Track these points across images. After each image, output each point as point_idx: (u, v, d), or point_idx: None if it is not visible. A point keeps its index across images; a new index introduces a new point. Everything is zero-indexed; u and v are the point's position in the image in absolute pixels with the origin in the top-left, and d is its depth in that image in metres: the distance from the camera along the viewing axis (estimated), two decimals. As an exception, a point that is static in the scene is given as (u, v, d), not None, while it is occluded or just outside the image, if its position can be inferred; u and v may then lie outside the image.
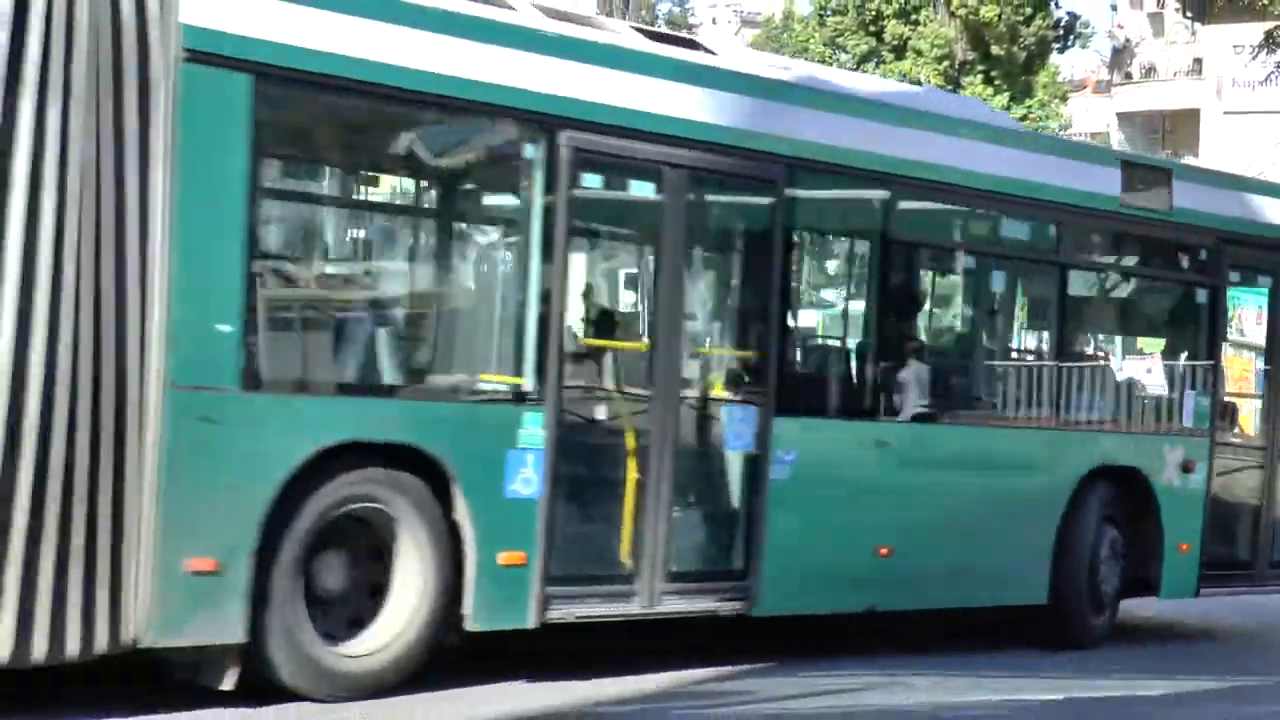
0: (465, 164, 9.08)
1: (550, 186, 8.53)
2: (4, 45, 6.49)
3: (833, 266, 10.81)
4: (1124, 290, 12.73)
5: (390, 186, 9.70)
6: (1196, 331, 12.39)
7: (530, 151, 8.57)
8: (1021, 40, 45.55)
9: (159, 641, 7.10)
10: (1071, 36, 48.79)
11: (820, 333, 10.45)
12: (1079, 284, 11.88)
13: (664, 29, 78.00)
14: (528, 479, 8.28)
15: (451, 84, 8.06)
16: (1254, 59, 23.70)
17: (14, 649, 6.55)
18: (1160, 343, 12.78)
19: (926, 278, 11.33)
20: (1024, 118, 46.34)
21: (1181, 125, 35.54)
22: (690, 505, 9.28)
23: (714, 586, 9.28)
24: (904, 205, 10.36)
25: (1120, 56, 43.57)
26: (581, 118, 8.56)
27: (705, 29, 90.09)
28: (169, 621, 7.08)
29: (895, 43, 46.35)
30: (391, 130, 8.53)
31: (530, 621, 8.33)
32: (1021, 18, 45.34)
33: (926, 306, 11.31)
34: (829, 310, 10.58)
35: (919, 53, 45.72)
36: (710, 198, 9.67)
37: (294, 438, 7.51)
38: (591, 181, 9.26)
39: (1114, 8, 52.31)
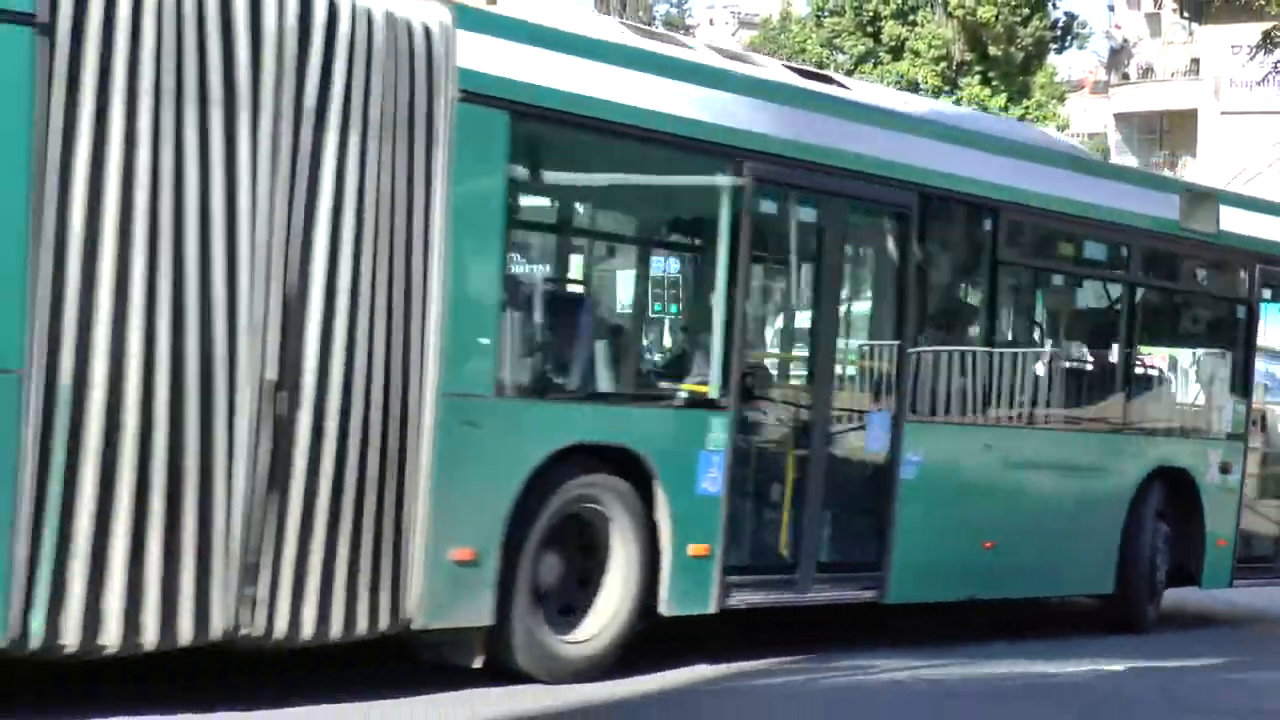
0: (668, 192, 10.05)
1: (735, 212, 9.41)
2: (315, 86, 7.38)
3: (950, 286, 11.67)
4: (1176, 306, 13.79)
5: (611, 213, 10.68)
6: (1234, 343, 13.49)
7: (720, 180, 9.43)
8: (1019, 41, 45.58)
9: (429, 624, 7.89)
10: (1069, 37, 48.84)
11: (938, 345, 11.12)
12: (1144, 301, 12.97)
13: (661, 30, 77.88)
14: (714, 478, 9.16)
15: (662, 120, 8.97)
16: (1251, 59, 23.71)
17: (315, 629, 7.38)
18: (1204, 353, 13.74)
19: (1025, 297, 12.30)
20: (1021, 118, 46.38)
21: (1179, 125, 35.53)
22: (836, 502, 10.11)
23: (854, 577, 10.17)
24: (1010, 230, 11.34)
25: (1118, 57, 43.59)
26: (761, 150, 9.43)
27: (702, 29, 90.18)
28: (437, 605, 7.87)
29: (893, 43, 46.39)
30: (614, 161, 9.40)
31: (711, 607, 9.15)
32: (1019, 18, 45.37)
33: (1025, 322, 12.36)
34: (946, 325, 11.43)
35: (916, 53, 45.76)
36: (856, 223, 10.66)
37: (534, 440, 8.35)
38: (767, 208, 9.97)
39: (1111, 8, 52.36)
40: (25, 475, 6.67)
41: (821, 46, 49.72)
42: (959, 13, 44.58)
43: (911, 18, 46.37)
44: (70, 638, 6.78)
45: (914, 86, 45.80)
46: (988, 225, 11.23)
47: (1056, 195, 11.57)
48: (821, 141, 9.87)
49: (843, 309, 10.61)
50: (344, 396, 7.46)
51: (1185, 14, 33.51)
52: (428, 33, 7.84)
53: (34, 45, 6.60)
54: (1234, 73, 29.03)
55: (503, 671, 8.24)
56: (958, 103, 45.42)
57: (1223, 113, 30.24)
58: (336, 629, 7.48)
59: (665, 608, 8.93)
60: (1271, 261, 13.36)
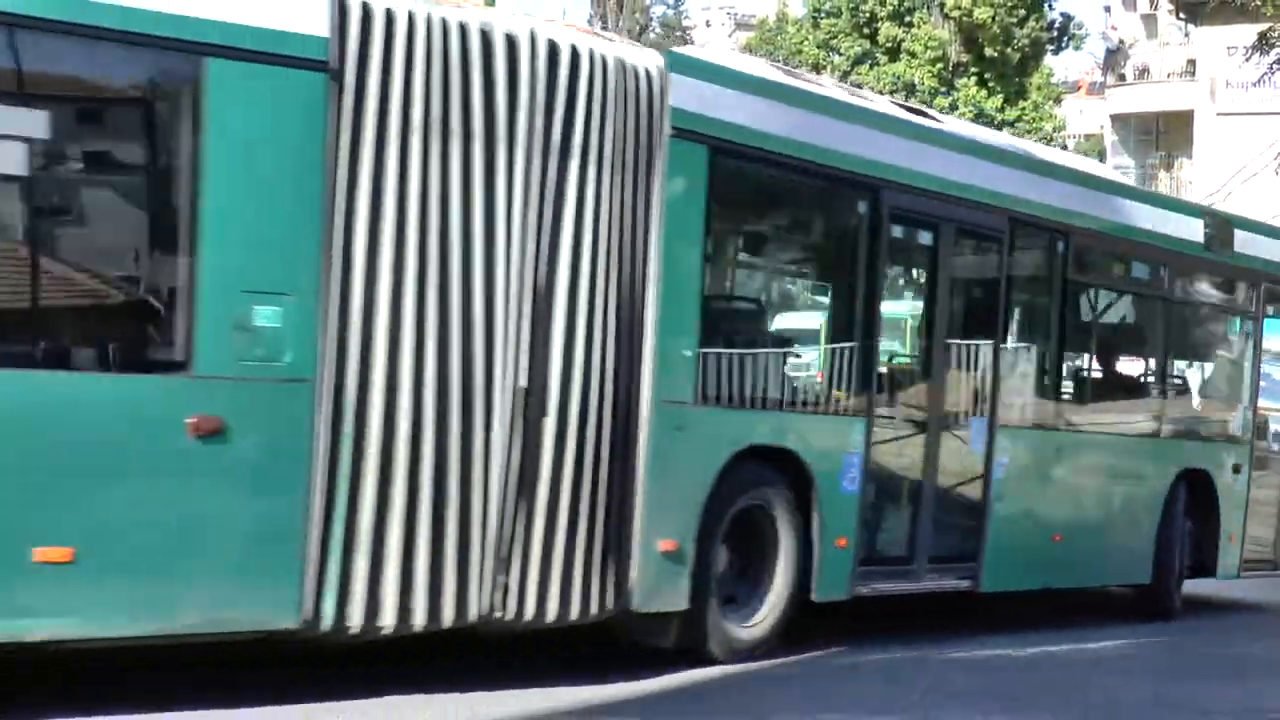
0: (823, 218, 11.21)
1: (873, 236, 10.60)
2: (560, 123, 8.29)
3: (1030, 304, 12.80)
4: (1199, 320, 15.08)
5: (778, 237, 11.64)
6: (1243, 354, 14.97)
7: (861, 208, 10.57)
8: (1015, 42, 45.59)
9: (642, 608, 8.83)
10: (1065, 38, 48.88)
11: (1021, 356, 12.51)
12: (1176, 316, 14.22)
13: (658, 31, 77.57)
14: (852, 477, 10.28)
15: (819, 152, 10.06)
16: (1247, 60, 23.72)
17: (556, 613, 8.32)
18: (1219, 363, 15.26)
19: (1087, 313, 13.37)
20: (1018, 119, 46.40)
21: (1175, 127, 35.55)
22: (943, 499, 11.25)
23: (955, 568, 11.33)
24: (1078, 252, 12.51)
25: (1114, 58, 43.66)
26: (895, 180, 10.59)
27: (699, 31, 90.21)
28: (648, 591, 8.83)
29: (889, 45, 46.41)
30: (780, 189, 10.48)
31: (845, 594, 10.31)
32: (1015, 19, 45.37)
33: (1086, 337, 13.46)
34: (1027, 339, 12.70)
35: (913, 54, 45.78)
36: (961, 246, 11.68)
37: (723, 443, 9.39)
38: (896, 232, 11.04)
39: (1107, 9, 52.43)
40: (317, 475, 7.49)
41: (818, 48, 49.75)
42: (955, 14, 44.60)
43: (908, 19, 46.40)
44: (355, 620, 7.62)
45: (910, 88, 45.85)
46: (1060, 248, 12.36)
47: (1114, 220, 12.87)
48: (940, 173, 11.02)
49: (951, 323, 11.50)
50: (581, 403, 8.37)
51: (1181, 15, 33.52)
52: (647, 76, 8.81)
53: (326, 88, 7.55)
54: (1230, 74, 29.03)
55: (690, 653, 9.30)
56: (953, 105, 45.44)
57: (1219, 114, 30.26)
58: (574, 613, 8.40)
59: (815, 595, 10.05)
60: (1274, 280, 14.69)
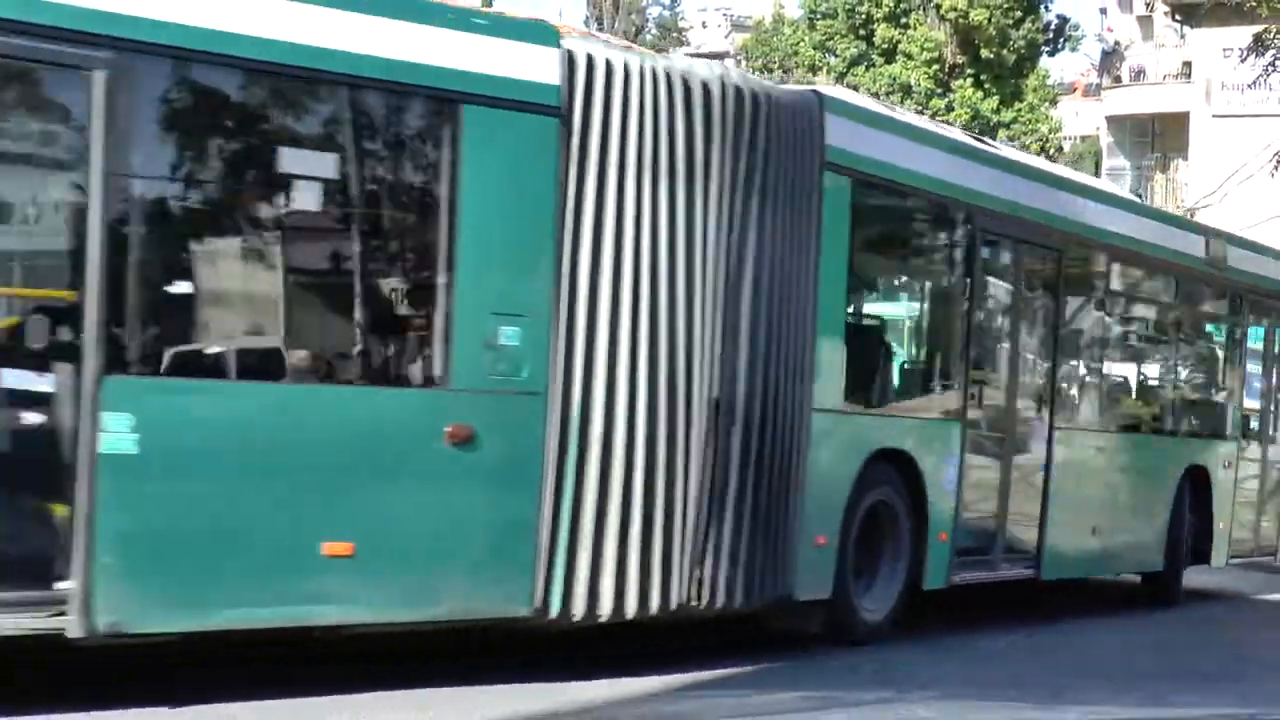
0: (929, 242, 12.43)
1: (968, 257, 11.97)
2: (745, 159, 9.32)
3: (1079, 316, 13.98)
4: (1200, 328, 16.57)
5: (896, 259, 12.64)
6: (1230, 360, 16.44)
7: (959, 232, 11.95)
8: (1011, 43, 45.59)
9: (800, 596, 10.02)
10: (1061, 40, 48.89)
11: (1071, 364, 13.94)
12: (1185, 324, 15.88)
13: (654, 32, 77.59)
14: (950, 477, 11.51)
15: (934, 183, 11.47)
16: (1243, 61, 23.75)
17: (741, 601, 9.35)
18: (1213, 366, 16.60)
19: (1121, 324, 14.81)
20: (1013, 121, 46.41)
21: (1171, 128, 35.57)
22: (1012, 496, 12.38)
23: (1022, 558, 12.62)
24: (1118, 268, 14.15)
25: (1110, 60, 43.68)
26: (984, 206, 11.90)
27: (694, 32, 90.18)
28: (804, 581, 9.99)
29: (885, 46, 46.40)
30: (899, 216, 11.84)
31: (945, 584, 11.51)
32: (1011, 21, 45.38)
33: (1122, 345, 14.96)
34: (1076, 348, 14.02)
35: (909, 56, 45.78)
36: (1029, 265, 12.91)
37: (861, 446, 10.67)
38: (985, 254, 12.28)
39: (1103, 11, 52.46)
40: (548, 479, 8.46)
41: (814, 49, 49.76)
42: (951, 15, 44.61)
43: (904, 20, 46.39)
44: (577, 610, 8.58)
45: (906, 89, 45.87)
46: (1102, 265, 13.80)
47: (1146, 240, 14.25)
48: (1015, 198, 12.33)
49: (1022, 335, 12.89)
50: (760, 413, 9.42)
51: (1177, 17, 33.54)
52: (807, 115, 9.95)
53: (557, 131, 8.55)
54: (1225, 76, 29.03)
55: (828, 636, 10.57)
56: (949, 106, 45.45)
57: (1214, 116, 30.26)
58: (753, 601, 9.51)
59: (925, 585, 11.33)
60: (1255, 292, 16.26)
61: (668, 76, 9.00)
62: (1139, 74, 39.93)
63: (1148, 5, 41.52)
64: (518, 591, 8.48)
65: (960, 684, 9.93)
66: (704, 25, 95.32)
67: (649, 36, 74.68)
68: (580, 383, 8.57)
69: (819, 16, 48.75)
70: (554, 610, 8.53)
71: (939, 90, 46.09)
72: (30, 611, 7.14)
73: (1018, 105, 46.57)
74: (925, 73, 45.79)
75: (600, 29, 67.52)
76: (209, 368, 7.78)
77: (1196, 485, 15.16)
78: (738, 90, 9.30)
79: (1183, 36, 35.46)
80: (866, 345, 11.25)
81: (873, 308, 12.33)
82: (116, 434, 7.19)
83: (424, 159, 8.55)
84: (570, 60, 8.64)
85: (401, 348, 8.42)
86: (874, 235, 11.53)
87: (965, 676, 10.29)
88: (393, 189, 8.54)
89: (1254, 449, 16.56)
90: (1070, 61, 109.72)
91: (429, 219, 8.43)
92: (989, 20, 44.55)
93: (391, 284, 8.58)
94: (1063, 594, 14.17)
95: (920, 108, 43.61)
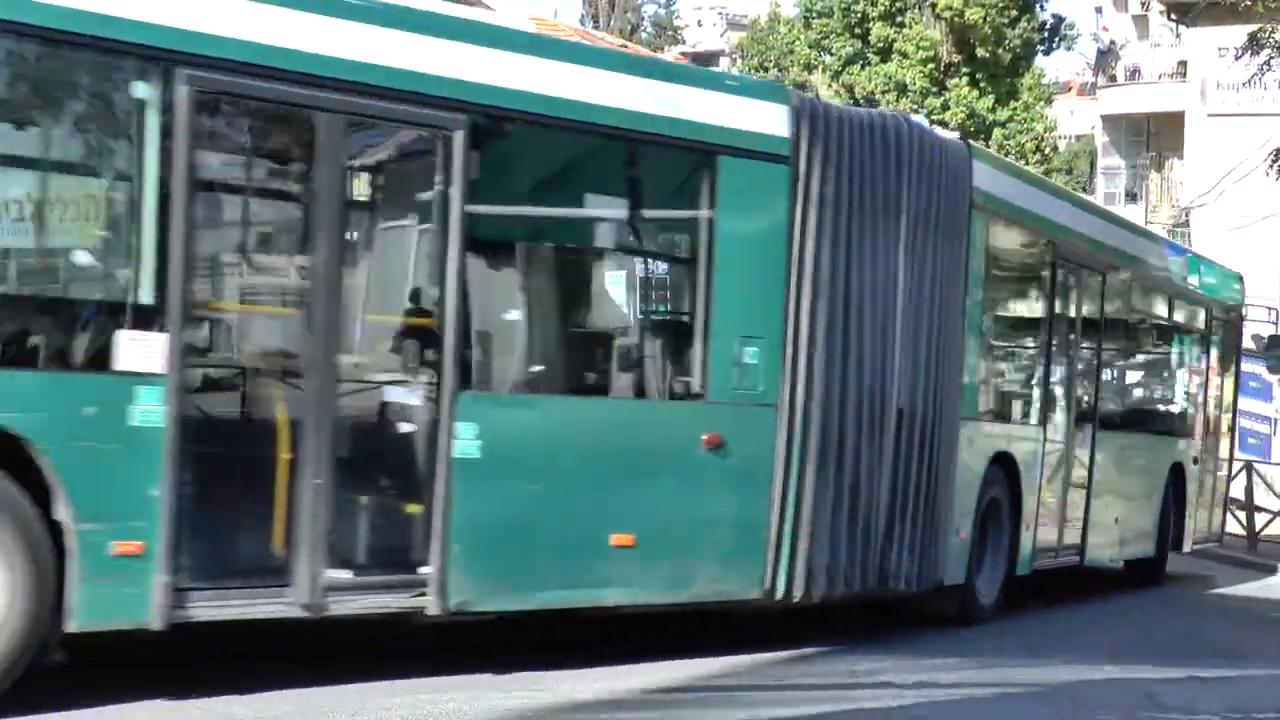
0: (1034, 273, 14.03)
1: (1053, 283, 13.81)
2: (925, 199, 10.90)
3: (1110, 332, 15.47)
4: (1186, 340, 18.34)
5: (1007, 282, 14.01)
6: (1200, 369, 18.40)
7: (1048, 259, 13.75)
8: (1007, 42, 45.57)
9: (947, 581, 11.62)
10: (1056, 39, 48.86)
11: (1114, 377, 16.04)
12: (1179, 337, 18.07)
13: (649, 31, 77.40)
14: (1035, 477, 13.35)
15: (1038, 219, 13.42)
16: (1237, 60, 23.74)
17: (917, 586, 11.02)
18: (1190, 373, 18.36)
19: (1140, 339, 16.97)
20: (1009, 120, 46.39)
21: (1166, 127, 35.56)
22: (1065, 495, 14.12)
23: (1071, 548, 14.33)
24: (1135, 287, 16.02)
25: (1105, 59, 43.68)
26: (1065, 239, 13.89)
27: (690, 30, 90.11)
28: (950, 569, 11.69)
29: (881, 45, 46.38)
30: (1021, 247, 13.65)
31: (1029, 571, 13.28)
32: (1007, 20, 45.36)
33: (1143, 357, 17.23)
34: (1112, 359, 15.80)
35: (904, 55, 45.76)
36: (1087, 284, 14.70)
37: (988, 449, 12.47)
38: (1061, 277, 14.09)
39: (1099, 10, 52.43)
40: (777, 478, 9.96)
41: (810, 48, 49.75)
42: (947, 14, 44.59)
43: (899, 19, 46.37)
44: (797, 592, 10.09)
45: (902, 88, 45.87)
46: (1127, 284, 15.59)
47: (1154, 263, 16.38)
48: (1085, 230, 14.42)
49: (1080, 348, 14.65)
50: (928, 420, 10.97)
51: (1172, 16, 33.52)
52: (962, 160, 11.61)
53: (787, 176, 10.08)
54: (1221, 75, 29.02)
55: (959, 618, 12.20)
56: (945, 105, 45.41)
57: (1210, 115, 30.24)
58: (920, 586, 11.11)
59: (1018, 572, 12.99)
60: (1220, 306, 18.57)
61: (868, 125, 10.54)
62: (1134, 73, 39.92)
63: (1143, 4, 41.51)
64: (752, 576, 10.04)
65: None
66: (699, 24, 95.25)
67: (645, 34, 74.63)
68: (803, 395, 10.05)
69: (814, 15, 48.73)
70: (779, 593, 10.07)
71: (934, 89, 46.08)
72: (396, 593, 8.36)
73: (1013, 104, 46.55)
74: (921, 71, 45.76)
75: (596, 27, 67.45)
76: (533, 385, 9.24)
77: (1176, 480, 17.14)
78: (920, 136, 10.99)
79: (1178, 35, 35.44)
80: (991, 361, 13.15)
81: (994, 328, 13.50)
82: (465, 441, 8.45)
83: (691, 204, 9.93)
84: (796, 115, 10.13)
85: (673, 367, 9.78)
86: (999, 266, 13.13)
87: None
88: (666, 231, 10.31)
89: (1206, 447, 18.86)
90: (1066, 60, 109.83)
91: (694, 255, 9.96)
92: (984, 19, 44.54)
93: (667, 311, 10.35)
94: (1061, 580, 15.00)
95: (916, 107, 43.62)
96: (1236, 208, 28.00)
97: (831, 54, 48.73)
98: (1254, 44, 22.21)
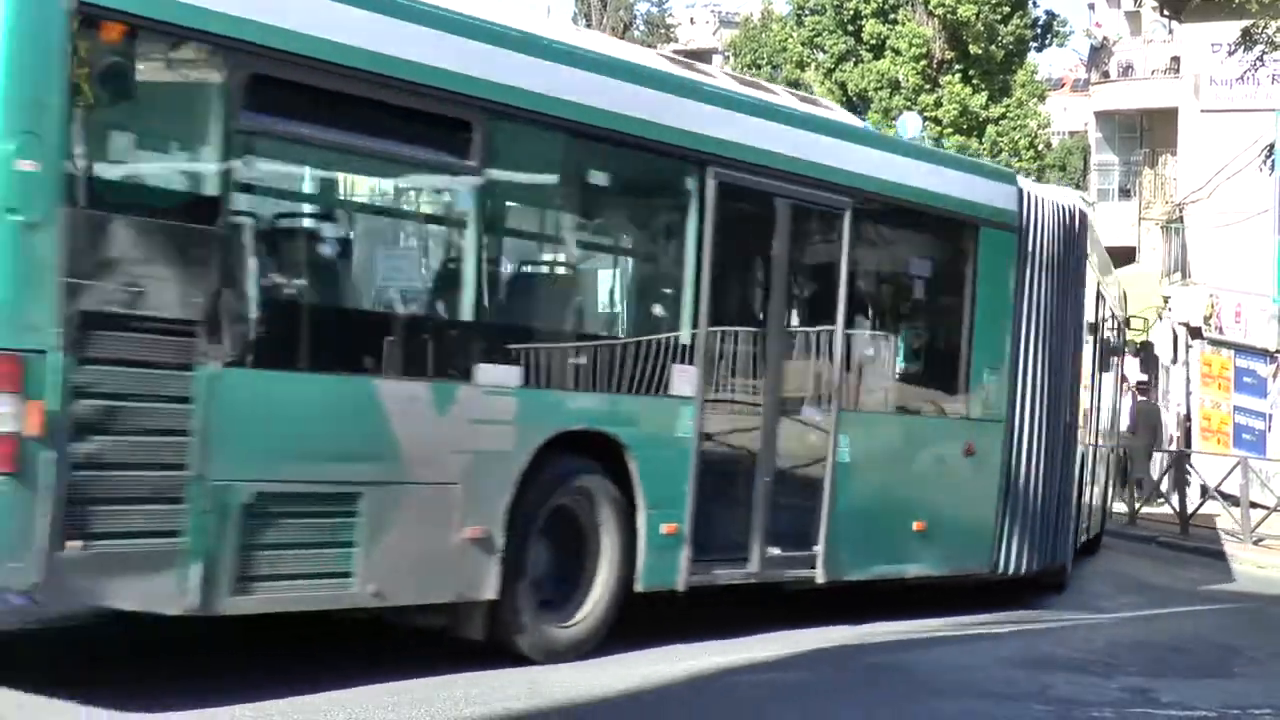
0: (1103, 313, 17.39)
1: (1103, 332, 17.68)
2: (1075, 255, 13.87)
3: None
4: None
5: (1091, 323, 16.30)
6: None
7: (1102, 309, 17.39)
8: (999, 39, 45.51)
9: (1068, 565, 14.79)
10: (1049, 35, 48.80)
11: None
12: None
13: (642, 29, 77.00)
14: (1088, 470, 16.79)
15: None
16: (1231, 55, 23.69)
17: (1053, 562, 13.77)
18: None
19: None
20: (1002, 117, 46.33)
21: (1159, 123, 35.53)
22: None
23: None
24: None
25: (1098, 55, 43.64)
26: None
27: (683, 28, 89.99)
28: (1067, 552, 14.57)
29: (873, 42, 46.31)
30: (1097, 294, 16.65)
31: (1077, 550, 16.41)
32: (999, 16, 45.30)
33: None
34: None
35: (897, 52, 45.70)
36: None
37: (1077, 453, 15.01)
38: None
39: (1091, 6, 52.38)
40: (1003, 478, 12.88)
41: (802, 45, 49.66)
42: (939, 11, 44.54)
43: (892, 16, 46.30)
44: (1011, 568, 13.01)
45: (895, 85, 45.80)
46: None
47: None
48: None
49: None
50: (1072, 431, 14.09)
51: (1165, 12, 33.49)
52: (1083, 220, 14.08)
53: (1015, 242, 13.01)
54: (1214, 71, 29.00)
55: (1058, 590, 14.62)
56: (938, 101, 45.37)
57: (1203, 110, 30.21)
58: (1059, 562, 14.10)
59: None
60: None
61: (1056, 203, 13.60)
62: (1127, 69, 39.88)
63: (1135, 0, 41.45)
64: (984, 555, 12.90)
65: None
66: (691, 21, 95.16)
67: (637, 32, 74.50)
68: (1018, 413, 13.02)
69: (807, 13, 48.65)
70: (999, 568, 12.98)
71: (927, 86, 46.01)
72: (796, 567, 11.11)
73: (1006, 101, 46.48)
74: (913, 68, 45.70)
75: (588, 25, 67.33)
76: (880, 406, 12.17)
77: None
78: (1080, 210, 14.05)
79: (1171, 31, 35.41)
80: (1084, 385, 15.55)
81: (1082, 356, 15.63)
82: (843, 449, 11.33)
83: (964, 267, 12.88)
84: (1020, 193, 13.14)
85: (952, 393, 12.87)
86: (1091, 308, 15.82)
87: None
88: (951, 290, 12.93)
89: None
90: (1059, 57, 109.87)
91: (965, 307, 12.82)
92: (977, 16, 44.48)
93: (949, 350, 12.99)
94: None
95: (909, 104, 43.55)
96: (1230, 203, 27.96)
97: (824, 51, 48.65)
98: (1247, 40, 22.19)
